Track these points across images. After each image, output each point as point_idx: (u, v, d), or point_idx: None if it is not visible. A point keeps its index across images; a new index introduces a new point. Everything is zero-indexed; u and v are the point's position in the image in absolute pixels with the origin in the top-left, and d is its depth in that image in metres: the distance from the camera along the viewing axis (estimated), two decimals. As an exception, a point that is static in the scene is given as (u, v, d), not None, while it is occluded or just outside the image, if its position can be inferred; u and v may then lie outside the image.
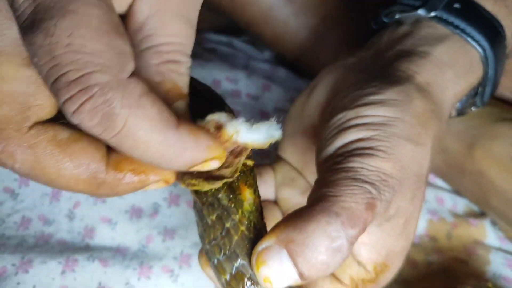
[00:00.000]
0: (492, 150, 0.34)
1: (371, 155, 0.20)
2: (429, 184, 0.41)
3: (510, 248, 0.38)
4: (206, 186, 0.20)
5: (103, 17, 0.16)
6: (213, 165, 0.18)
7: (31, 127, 0.18)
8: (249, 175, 0.21)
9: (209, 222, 0.21)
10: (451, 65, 0.25)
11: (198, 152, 0.17)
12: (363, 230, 0.19)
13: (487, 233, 0.38)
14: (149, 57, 0.18)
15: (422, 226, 0.37)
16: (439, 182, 0.41)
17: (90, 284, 0.29)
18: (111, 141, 0.16)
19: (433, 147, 0.23)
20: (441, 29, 0.26)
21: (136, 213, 0.33)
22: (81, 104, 0.15)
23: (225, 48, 0.52)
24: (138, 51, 0.18)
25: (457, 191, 0.41)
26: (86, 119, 0.15)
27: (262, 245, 0.19)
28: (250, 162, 0.21)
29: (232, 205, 0.21)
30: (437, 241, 0.37)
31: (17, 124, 0.17)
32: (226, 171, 0.20)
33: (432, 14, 0.26)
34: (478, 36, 0.25)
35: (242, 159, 0.20)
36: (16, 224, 0.33)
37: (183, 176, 0.20)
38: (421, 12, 0.26)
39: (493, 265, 0.36)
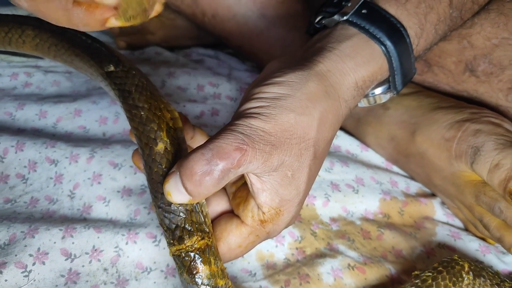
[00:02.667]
0: (430, 134, 0.40)
1: (255, 117, 0.27)
2: (385, 169, 0.46)
3: (456, 223, 0.43)
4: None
5: None
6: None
7: None
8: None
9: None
10: (352, 57, 0.30)
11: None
12: (232, 165, 0.25)
13: (436, 210, 0.43)
14: None
15: (375, 205, 0.43)
16: (395, 168, 0.47)
17: (85, 247, 0.35)
18: None
19: (323, 118, 0.28)
20: (351, 29, 0.32)
21: (126, 192, 0.39)
22: None
23: (211, 59, 0.59)
24: None
25: (410, 176, 0.46)
26: None
27: (170, 171, 0.26)
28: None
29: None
30: (390, 218, 0.43)
31: None
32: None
33: (344, 18, 0.32)
34: (380, 34, 0.31)
35: None
36: (26, 203, 0.39)
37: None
38: (336, 17, 0.33)
39: (439, 235, 0.41)
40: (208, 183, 0.25)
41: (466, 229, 0.43)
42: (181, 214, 0.27)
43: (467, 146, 0.37)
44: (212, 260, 0.28)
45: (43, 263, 0.33)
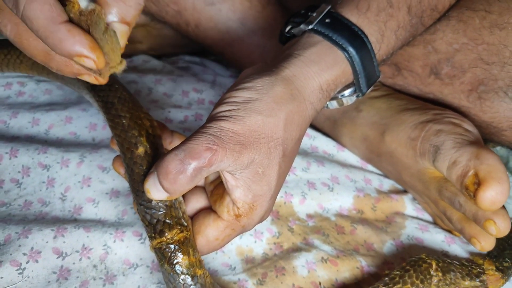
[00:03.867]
0: (398, 134, 0.43)
1: (225, 120, 0.29)
2: (360, 168, 0.49)
3: (425, 217, 0.46)
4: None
5: None
6: (88, 62, 0.25)
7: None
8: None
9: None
10: (316, 62, 0.33)
11: (72, 44, 0.24)
12: (204, 164, 0.27)
13: (407, 206, 0.46)
14: None
15: (349, 201, 0.45)
16: (370, 167, 0.50)
17: (76, 245, 0.37)
18: (20, 18, 0.25)
19: (289, 118, 0.31)
20: (316, 37, 0.34)
21: (114, 194, 0.42)
22: None
23: (197, 66, 0.62)
24: None
25: (384, 174, 0.49)
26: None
27: (150, 171, 0.29)
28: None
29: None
30: (363, 213, 0.45)
31: (13, 7, 0.26)
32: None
33: (310, 27, 0.35)
34: (342, 41, 0.33)
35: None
36: (20, 206, 0.41)
37: None
38: (302, 26, 0.35)
39: (408, 229, 0.44)
40: (182, 181, 0.27)
41: (434, 223, 0.45)
42: (161, 209, 0.30)
43: (429, 145, 0.39)
44: (191, 251, 0.30)
45: (36, 261, 0.36)
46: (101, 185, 0.42)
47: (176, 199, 0.31)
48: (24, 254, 0.36)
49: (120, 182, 0.43)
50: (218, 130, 0.29)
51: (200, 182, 0.35)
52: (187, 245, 0.30)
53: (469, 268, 0.37)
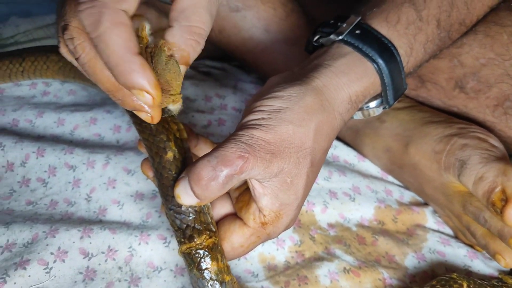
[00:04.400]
0: (422, 146, 0.43)
1: (257, 128, 0.29)
2: (380, 179, 0.49)
3: (446, 231, 0.46)
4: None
5: None
6: (147, 97, 0.26)
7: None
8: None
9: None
10: (346, 73, 0.33)
11: (140, 77, 0.26)
12: (235, 171, 0.28)
13: (428, 219, 0.46)
14: (185, 30, 0.27)
15: (370, 212, 0.46)
16: (390, 178, 0.50)
17: (101, 247, 0.38)
18: (93, 38, 0.25)
19: (319, 129, 0.31)
20: (346, 48, 0.35)
21: (139, 197, 0.42)
22: (85, 7, 0.26)
23: (218, 71, 0.63)
24: (179, 25, 0.27)
25: (404, 186, 0.49)
26: (83, 17, 0.26)
27: (180, 176, 0.29)
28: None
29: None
30: (384, 224, 0.46)
31: (91, 27, 0.26)
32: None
33: (340, 37, 0.35)
34: (372, 53, 0.34)
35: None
36: (46, 205, 0.42)
37: None
38: (332, 36, 0.36)
39: (429, 242, 0.44)
40: (214, 188, 0.28)
41: (456, 237, 0.45)
42: (191, 215, 0.31)
43: (455, 159, 0.39)
44: (219, 257, 0.30)
45: (63, 261, 0.36)
46: (126, 187, 0.43)
47: (205, 205, 0.31)
48: (51, 253, 0.36)
49: (145, 185, 0.43)
50: (250, 138, 0.29)
51: None
52: (216, 250, 0.30)
53: (502, 284, 0.37)
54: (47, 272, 0.35)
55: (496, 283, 0.37)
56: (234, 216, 0.33)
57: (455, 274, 0.36)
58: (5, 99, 0.51)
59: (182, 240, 0.30)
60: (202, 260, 0.30)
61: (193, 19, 0.27)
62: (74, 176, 0.43)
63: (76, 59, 0.28)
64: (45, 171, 0.44)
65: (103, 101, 0.53)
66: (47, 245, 0.37)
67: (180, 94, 0.29)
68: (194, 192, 0.28)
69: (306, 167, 0.31)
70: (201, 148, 0.37)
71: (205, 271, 0.30)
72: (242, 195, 0.34)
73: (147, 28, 0.28)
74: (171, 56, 0.27)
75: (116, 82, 0.28)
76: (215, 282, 0.30)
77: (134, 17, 0.28)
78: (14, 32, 0.62)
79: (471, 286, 0.36)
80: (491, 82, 0.43)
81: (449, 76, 0.45)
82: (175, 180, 0.30)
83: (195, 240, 0.30)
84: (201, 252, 0.30)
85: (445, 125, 0.43)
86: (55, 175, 0.43)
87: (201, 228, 0.30)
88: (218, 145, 0.29)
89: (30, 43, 0.63)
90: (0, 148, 0.44)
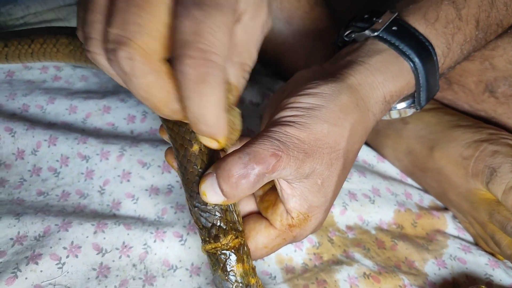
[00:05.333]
0: (448, 151, 0.42)
1: (291, 125, 0.28)
2: (400, 181, 0.48)
3: (466, 237, 0.45)
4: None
5: None
6: (213, 144, 0.26)
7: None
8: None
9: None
10: (382, 71, 0.32)
11: (219, 130, 0.24)
12: (268, 170, 0.26)
13: (448, 224, 0.45)
14: (237, 68, 0.26)
15: (389, 215, 0.44)
16: (409, 180, 0.48)
17: (116, 242, 0.37)
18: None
19: (353, 129, 0.30)
20: (381, 45, 0.33)
21: (154, 191, 0.41)
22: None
23: (233, 62, 0.61)
24: (232, 62, 0.26)
25: (424, 189, 0.48)
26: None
27: (207, 172, 0.27)
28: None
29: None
30: (403, 228, 0.44)
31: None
32: None
33: (375, 34, 0.33)
34: (409, 51, 0.32)
35: None
36: (58, 196, 0.40)
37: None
38: (367, 32, 0.34)
39: (450, 248, 0.43)
40: (244, 186, 0.26)
41: (476, 244, 0.44)
42: (217, 213, 0.29)
43: (484, 166, 0.38)
44: (245, 259, 0.29)
45: (76, 256, 0.35)
46: (140, 181, 0.41)
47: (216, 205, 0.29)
48: (64, 248, 0.35)
49: (160, 179, 0.42)
50: (284, 135, 0.27)
51: None
52: (242, 251, 0.29)
53: None
54: (59, 268, 0.34)
55: None
56: (259, 215, 0.32)
57: (483, 286, 0.35)
58: (15, 83, 0.49)
59: (207, 239, 0.29)
60: (228, 261, 0.28)
61: (245, 56, 0.26)
62: (87, 167, 0.42)
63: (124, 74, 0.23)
64: (57, 161, 0.42)
65: (116, 89, 0.51)
66: (60, 239, 0.36)
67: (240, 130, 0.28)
68: (222, 190, 0.26)
69: (338, 169, 0.30)
70: None
71: (230, 272, 0.28)
72: (267, 194, 0.32)
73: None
74: (233, 107, 0.26)
75: (178, 113, 0.25)
76: (240, 284, 0.29)
77: None
78: (24, 12, 0.60)
79: None
80: (524, 88, 0.41)
81: (478, 79, 0.44)
82: (201, 175, 0.29)
83: (221, 240, 0.28)
84: (227, 253, 0.29)
85: (474, 129, 0.41)
86: (67, 165, 0.42)
87: (227, 228, 0.29)
88: (250, 141, 0.27)
89: (40, 25, 0.61)
90: (11, 134, 0.42)
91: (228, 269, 0.28)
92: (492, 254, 0.43)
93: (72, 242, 0.36)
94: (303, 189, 0.29)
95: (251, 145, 0.27)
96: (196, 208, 0.29)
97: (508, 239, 0.38)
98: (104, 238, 0.37)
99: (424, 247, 0.43)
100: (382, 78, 0.32)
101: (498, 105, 0.43)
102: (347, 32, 0.37)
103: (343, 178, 0.31)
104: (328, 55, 0.49)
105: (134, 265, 0.36)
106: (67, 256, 0.35)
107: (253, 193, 0.34)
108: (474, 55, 0.43)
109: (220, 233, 0.28)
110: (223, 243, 0.28)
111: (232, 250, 0.29)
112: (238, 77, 0.26)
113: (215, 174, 0.26)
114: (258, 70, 0.59)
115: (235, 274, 0.28)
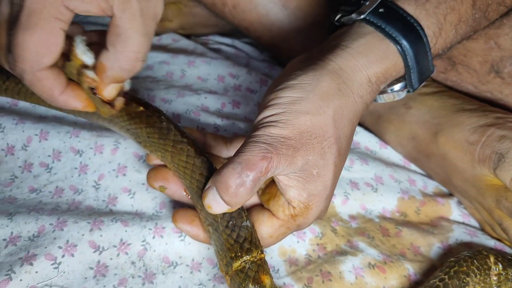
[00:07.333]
0: (453, 136, 0.40)
1: (274, 126, 0.28)
2: (403, 167, 0.47)
3: (471, 223, 0.44)
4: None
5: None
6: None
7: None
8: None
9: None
10: (365, 54, 0.31)
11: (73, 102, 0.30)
12: (261, 173, 0.27)
13: (453, 211, 0.44)
14: (120, 57, 0.28)
15: (393, 203, 0.43)
16: (413, 166, 0.47)
17: (113, 240, 0.35)
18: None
19: (337, 114, 0.29)
20: (367, 28, 0.32)
21: (150, 185, 0.40)
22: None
23: (228, 48, 0.59)
24: (114, 50, 0.28)
25: (428, 175, 0.46)
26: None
27: (206, 186, 0.29)
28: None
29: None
30: (407, 216, 0.43)
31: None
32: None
33: (362, 16, 0.32)
34: (396, 33, 0.31)
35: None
36: (51, 193, 0.39)
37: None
38: (353, 15, 0.33)
39: (456, 232, 0.42)
40: (243, 193, 0.27)
41: (482, 229, 0.43)
42: (249, 228, 0.30)
43: (491, 151, 0.37)
44: (269, 271, 0.30)
45: (72, 255, 0.34)
46: (137, 174, 0.40)
47: (248, 219, 0.31)
48: (60, 247, 0.34)
49: (157, 173, 0.40)
50: (269, 137, 0.28)
51: None
52: (266, 264, 0.30)
53: None
54: (55, 268, 0.33)
55: None
56: (262, 206, 0.33)
57: (481, 248, 0.35)
58: (2, 76, 0.47)
59: (239, 254, 0.29)
60: (257, 274, 0.29)
61: (129, 44, 0.28)
62: (81, 162, 0.40)
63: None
64: (49, 156, 0.40)
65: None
66: (55, 238, 0.34)
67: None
68: (224, 200, 0.28)
69: (333, 157, 0.30)
70: (211, 145, 0.37)
71: (260, 284, 0.29)
72: (268, 187, 0.33)
73: (80, 44, 0.29)
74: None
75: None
76: None
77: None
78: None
79: (499, 259, 0.35)
80: (531, 68, 0.40)
81: (483, 59, 0.42)
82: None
83: (253, 253, 0.30)
84: (257, 266, 0.29)
85: (479, 113, 0.40)
86: (59, 160, 0.40)
87: (257, 242, 0.30)
88: (239, 149, 0.28)
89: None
90: (0, 129, 0.41)
91: (259, 282, 0.29)
92: (499, 240, 0.42)
93: (68, 241, 0.34)
94: (299, 179, 0.29)
95: (240, 153, 0.28)
96: (230, 223, 0.30)
97: (516, 225, 0.38)
98: (101, 236, 0.35)
99: (430, 231, 0.42)
100: (365, 61, 0.31)
101: (504, 85, 0.42)
102: (338, 17, 0.35)
103: (340, 164, 0.31)
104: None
105: (133, 263, 0.35)
106: (63, 256, 0.34)
107: None
108: (478, 34, 0.41)
109: (252, 246, 0.30)
110: (254, 255, 0.30)
111: (260, 263, 0.30)
112: (120, 65, 0.28)
113: (214, 188, 0.28)
114: (252, 55, 0.57)
115: (266, 285, 0.29)
